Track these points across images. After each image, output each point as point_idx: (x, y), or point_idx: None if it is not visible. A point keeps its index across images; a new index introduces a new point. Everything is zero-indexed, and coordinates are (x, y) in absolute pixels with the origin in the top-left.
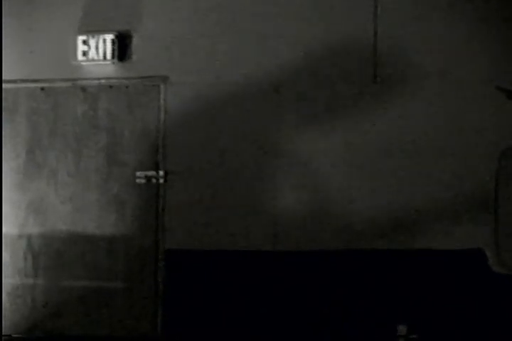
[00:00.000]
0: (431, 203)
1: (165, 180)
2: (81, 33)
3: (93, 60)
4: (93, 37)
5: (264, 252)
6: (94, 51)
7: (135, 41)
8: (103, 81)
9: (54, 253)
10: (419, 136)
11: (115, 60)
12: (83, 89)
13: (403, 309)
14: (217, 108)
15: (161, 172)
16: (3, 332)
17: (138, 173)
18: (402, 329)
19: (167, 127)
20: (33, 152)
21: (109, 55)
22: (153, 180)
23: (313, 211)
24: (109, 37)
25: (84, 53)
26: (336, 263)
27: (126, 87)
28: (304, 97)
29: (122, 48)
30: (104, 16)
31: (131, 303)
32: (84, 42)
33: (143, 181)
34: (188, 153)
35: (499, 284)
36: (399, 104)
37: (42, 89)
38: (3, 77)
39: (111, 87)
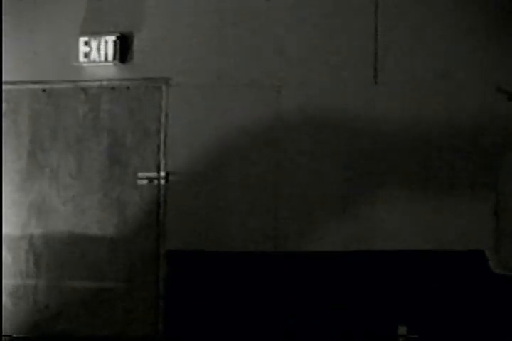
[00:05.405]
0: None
1: (166, 181)
2: (83, 34)
3: (95, 61)
4: (95, 38)
5: (265, 253)
6: (96, 52)
7: (137, 42)
8: (105, 82)
9: (55, 254)
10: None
11: (117, 62)
12: (85, 90)
13: (404, 309)
14: (219, 109)
15: (163, 174)
16: (5, 332)
17: (139, 174)
18: (402, 329)
19: (168, 128)
20: (34, 153)
21: (110, 57)
22: (155, 181)
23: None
24: (111, 38)
25: (86, 55)
26: (336, 265)
27: (128, 89)
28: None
29: (124, 50)
30: (105, 18)
31: (133, 304)
32: (86, 43)
33: (144, 182)
34: (189, 154)
35: (499, 285)
36: None
37: (44, 90)
38: (6, 79)
39: (113, 88)
